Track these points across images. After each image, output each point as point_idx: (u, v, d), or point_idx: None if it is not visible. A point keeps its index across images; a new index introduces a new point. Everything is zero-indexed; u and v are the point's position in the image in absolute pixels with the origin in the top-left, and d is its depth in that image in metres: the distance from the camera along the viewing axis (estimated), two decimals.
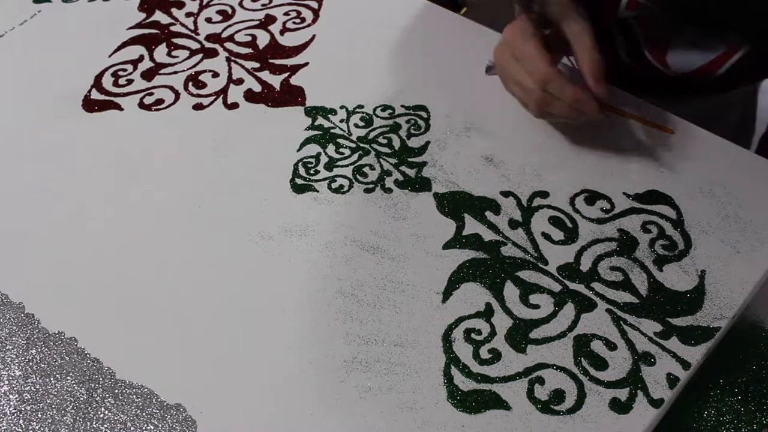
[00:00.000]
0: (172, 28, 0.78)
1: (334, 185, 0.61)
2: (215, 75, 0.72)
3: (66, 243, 0.59)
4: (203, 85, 0.71)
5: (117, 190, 0.63)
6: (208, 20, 0.78)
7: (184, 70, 0.73)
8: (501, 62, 0.60)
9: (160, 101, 0.70)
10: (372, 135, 0.65)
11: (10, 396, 0.50)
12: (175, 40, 0.76)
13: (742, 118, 0.83)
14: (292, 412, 0.49)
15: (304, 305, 0.54)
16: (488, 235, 0.57)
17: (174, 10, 0.80)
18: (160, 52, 0.75)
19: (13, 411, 0.49)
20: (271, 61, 0.73)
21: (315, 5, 0.79)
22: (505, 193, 0.60)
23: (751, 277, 0.53)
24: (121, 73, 0.73)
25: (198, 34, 0.77)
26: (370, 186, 0.61)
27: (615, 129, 0.63)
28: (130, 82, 0.72)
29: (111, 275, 0.57)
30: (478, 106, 0.66)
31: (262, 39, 0.75)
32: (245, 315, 0.54)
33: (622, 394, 0.48)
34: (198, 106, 0.69)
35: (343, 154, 0.64)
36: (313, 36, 0.75)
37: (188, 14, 0.79)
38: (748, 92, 0.82)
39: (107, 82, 0.72)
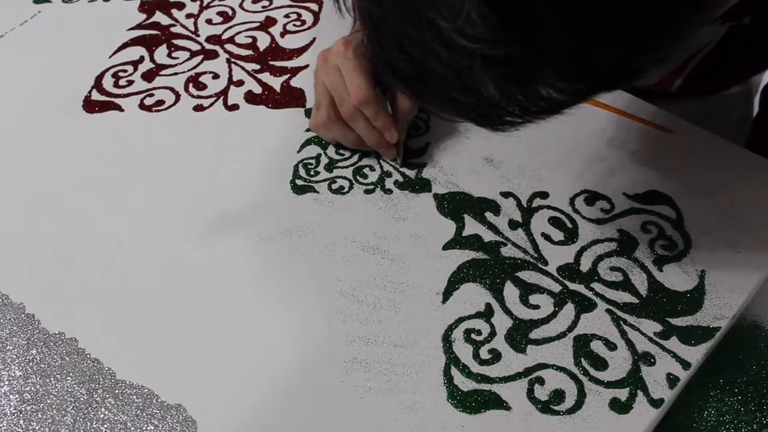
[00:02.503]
0: (173, 30, 0.78)
1: (334, 186, 0.61)
2: (216, 76, 0.72)
3: (66, 243, 0.59)
4: (204, 87, 0.71)
5: (117, 191, 0.63)
6: (209, 22, 0.78)
7: (184, 72, 0.73)
8: (324, 67, 0.59)
9: (160, 102, 0.70)
10: None
11: (11, 396, 0.50)
12: (176, 42, 0.76)
13: (740, 119, 0.83)
14: (292, 412, 0.49)
15: (304, 306, 0.54)
16: (488, 236, 0.57)
17: (174, 11, 0.80)
18: (161, 53, 0.75)
19: (14, 411, 0.49)
20: (271, 62, 0.73)
21: (315, 8, 0.79)
22: (505, 194, 0.60)
23: (751, 277, 0.53)
24: (121, 74, 0.73)
25: (198, 36, 0.77)
26: (370, 187, 0.61)
27: (615, 129, 0.63)
28: (130, 83, 0.72)
29: (111, 276, 0.57)
30: None
31: (263, 41, 0.76)
32: (245, 315, 0.54)
33: (622, 394, 0.48)
34: (198, 108, 0.69)
35: (343, 155, 0.64)
36: (314, 39, 0.75)
37: (188, 15, 0.79)
38: (745, 94, 0.83)
39: (108, 82, 0.72)
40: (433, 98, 0.36)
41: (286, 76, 0.71)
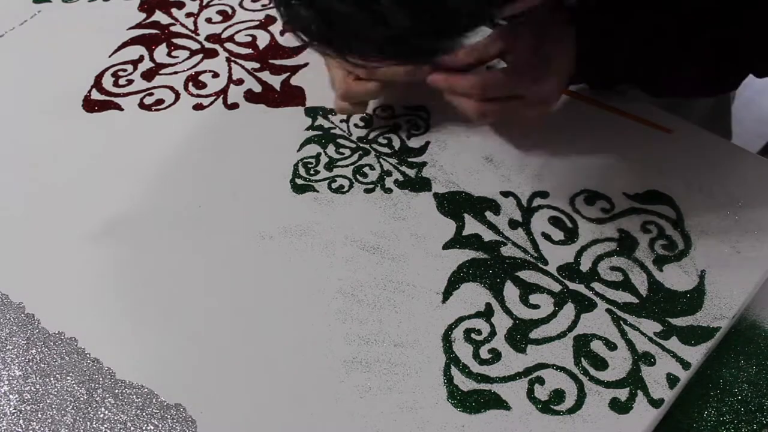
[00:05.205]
0: (172, 29, 0.78)
1: (334, 185, 0.61)
2: (215, 75, 0.72)
3: (66, 243, 0.59)
4: (203, 86, 0.71)
5: (117, 190, 0.63)
6: (208, 20, 0.78)
7: (184, 71, 0.73)
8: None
9: (160, 101, 0.70)
10: (372, 135, 0.65)
11: (10, 396, 0.50)
12: (175, 41, 0.76)
13: (717, 101, 0.81)
14: (292, 412, 0.49)
15: (304, 305, 0.54)
16: (488, 235, 0.57)
17: (174, 11, 0.80)
18: (160, 53, 0.75)
19: (13, 411, 0.49)
20: (271, 61, 0.73)
21: None
22: (505, 193, 0.60)
23: (751, 277, 0.53)
24: (121, 73, 0.73)
25: (198, 35, 0.77)
26: (370, 186, 0.61)
27: (615, 129, 0.63)
28: (130, 82, 0.72)
29: (111, 275, 0.57)
30: None
31: (263, 39, 0.75)
32: (245, 315, 0.54)
33: (622, 394, 0.48)
34: (198, 107, 0.69)
35: (343, 154, 0.64)
36: None
37: (188, 14, 0.79)
38: None
39: (107, 82, 0.72)
40: (347, 43, 0.39)
41: (286, 75, 0.71)
